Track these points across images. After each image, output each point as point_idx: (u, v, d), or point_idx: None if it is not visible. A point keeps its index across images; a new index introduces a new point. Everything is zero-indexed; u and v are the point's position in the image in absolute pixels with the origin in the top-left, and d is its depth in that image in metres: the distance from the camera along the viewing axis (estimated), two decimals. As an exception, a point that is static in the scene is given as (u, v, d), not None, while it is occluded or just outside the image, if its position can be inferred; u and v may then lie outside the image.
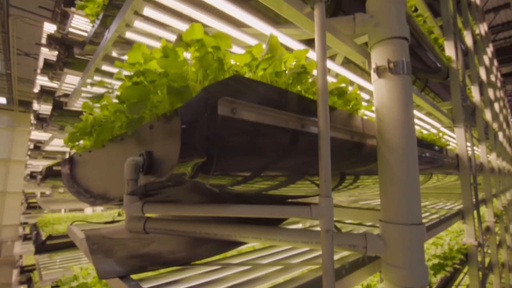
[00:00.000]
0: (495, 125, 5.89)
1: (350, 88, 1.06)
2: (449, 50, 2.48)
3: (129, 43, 0.96)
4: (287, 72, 0.74)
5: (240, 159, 0.63)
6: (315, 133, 0.79)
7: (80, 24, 3.05)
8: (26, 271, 6.11)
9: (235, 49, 1.07)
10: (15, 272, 6.65)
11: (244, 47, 1.09)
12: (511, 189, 7.75)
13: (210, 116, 0.53)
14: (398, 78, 0.94)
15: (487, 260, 3.64)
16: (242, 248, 1.25)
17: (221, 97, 0.56)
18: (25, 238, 6.36)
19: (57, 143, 4.73)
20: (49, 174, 3.01)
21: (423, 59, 2.22)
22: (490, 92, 5.81)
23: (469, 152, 2.56)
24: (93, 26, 1.65)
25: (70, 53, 3.25)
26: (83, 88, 1.66)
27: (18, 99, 13.12)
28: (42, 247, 2.81)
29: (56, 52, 3.39)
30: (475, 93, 3.83)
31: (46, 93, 5.12)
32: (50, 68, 4.82)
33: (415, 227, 0.88)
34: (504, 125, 8.27)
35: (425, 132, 2.67)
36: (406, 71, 0.95)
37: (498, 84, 8.56)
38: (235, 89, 0.59)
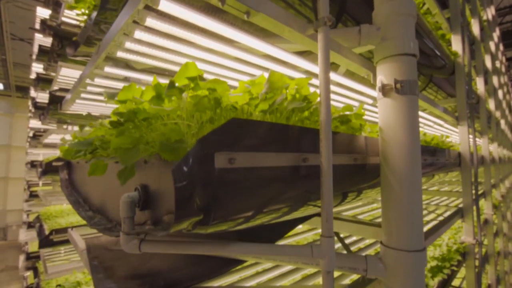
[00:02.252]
0: (497, 114, 5.82)
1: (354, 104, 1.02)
2: (456, 44, 2.40)
3: (120, 61, 0.92)
4: (287, 103, 0.71)
5: (240, 204, 0.60)
6: (317, 165, 0.76)
7: (73, 14, 2.94)
8: (32, 258, 6.25)
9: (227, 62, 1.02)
10: (22, 257, 6.81)
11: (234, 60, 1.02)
12: (510, 176, 7.79)
13: (206, 171, 0.50)
14: (404, 99, 0.90)
15: (483, 251, 3.71)
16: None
17: (218, 146, 0.53)
18: (29, 225, 6.45)
19: (56, 136, 4.69)
20: (49, 169, 3.01)
21: (429, 55, 2.14)
22: (495, 80, 5.71)
23: (471, 147, 2.53)
24: (85, 27, 1.58)
25: (64, 45, 3.15)
26: (81, 88, 1.61)
27: (15, 84, 12.94)
28: (46, 242, 2.85)
29: (50, 39, 3.28)
30: (479, 85, 3.75)
31: (42, 81, 5.02)
32: (45, 54, 4.69)
33: (416, 254, 0.87)
34: (507, 111, 8.20)
35: (426, 128, 2.63)
36: (414, 91, 0.90)
37: (503, 69, 8.40)
38: (233, 134, 0.56)
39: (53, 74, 3.75)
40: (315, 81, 1.41)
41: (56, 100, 3.23)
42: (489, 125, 5.08)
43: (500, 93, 6.59)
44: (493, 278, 3.49)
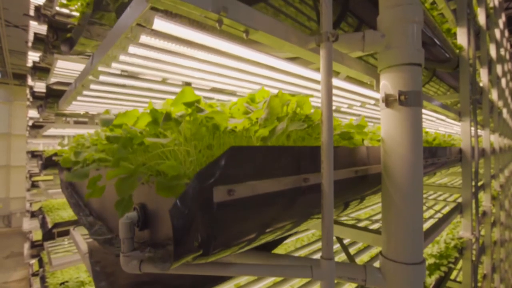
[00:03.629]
0: (500, 103, 5.77)
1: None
2: (461, 38, 2.33)
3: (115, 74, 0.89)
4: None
5: (241, 232, 0.60)
6: (318, 183, 0.75)
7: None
8: (37, 246, 6.37)
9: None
10: (26, 245, 6.94)
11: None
12: (510, 165, 7.80)
13: (205, 207, 0.49)
14: (408, 111, 0.88)
15: (480, 242, 3.77)
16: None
17: (216, 180, 0.51)
18: (33, 215, 6.54)
19: (55, 130, 4.66)
20: (49, 164, 3.01)
21: (433, 50, 2.09)
22: (498, 69, 5.62)
23: (473, 142, 2.52)
24: (79, 24, 1.53)
25: (59, 36, 3.08)
26: (76, 94, 1.58)
27: (12, 72, 12.77)
28: (49, 235, 2.89)
29: (45, 26, 3.20)
30: (483, 76, 3.69)
31: (39, 70, 4.93)
32: (41, 43, 4.59)
33: (415, 267, 0.88)
34: (509, 99, 8.11)
35: (427, 122, 2.60)
36: (418, 102, 0.88)
37: (507, 56, 8.24)
38: (232, 164, 0.54)
39: (49, 66, 3.68)
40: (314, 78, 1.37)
41: (53, 94, 3.19)
42: (491, 115, 5.04)
43: (503, 81, 6.51)
44: (488, 268, 3.56)
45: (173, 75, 0.95)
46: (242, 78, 1.02)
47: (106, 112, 0.75)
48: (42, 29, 4.39)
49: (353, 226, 1.22)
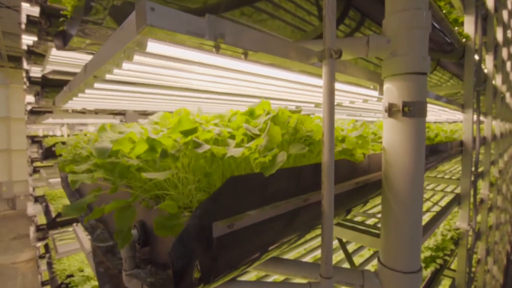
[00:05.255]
0: (504, 88, 5.68)
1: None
2: (469, 26, 2.26)
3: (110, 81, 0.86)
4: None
5: (241, 258, 0.60)
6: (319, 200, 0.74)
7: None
8: (42, 229, 6.51)
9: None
10: (32, 229, 7.10)
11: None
12: (509, 149, 7.81)
13: (204, 243, 0.49)
14: (412, 122, 0.86)
15: (476, 228, 3.84)
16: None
17: (216, 215, 0.51)
18: (36, 200, 6.63)
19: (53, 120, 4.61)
20: (49, 155, 3.01)
21: (438, 41, 2.02)
22: (504, 52, 5.48)
23: (475, 132, 2.50)
24: (72, 18, 1.47)
25: (52, 23, 2.98)
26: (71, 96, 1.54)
27: (6, 54, 12.49)
28: (53, 224, 2.94)
29: (38, 8, 3.09)
30: (488, 63, 3.61)
31: (34, 54, 4.81)
32: (34, 26, 4.45)
33: (412, 275, 0.89)
34: (513, 82, 7.98)
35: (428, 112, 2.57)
36: (422, 113, 0.86)
37: (514, 38, 8.02)
38: (231, 196, 0.54)
39: (44, 52, 3.59)
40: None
41: (49, 84, 3.13)
42: (494, 100, 4.98)
43: (508, 64, 6.38)
44: (483, 254, 3.66)
45: (171, 83, 0.92)
46: (243, 85, 0.99)
47: (102, 128, 0.73)
48: (35, 11, 4.23)
49: (352, 228, 1.24)
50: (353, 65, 0.92)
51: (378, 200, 1.33)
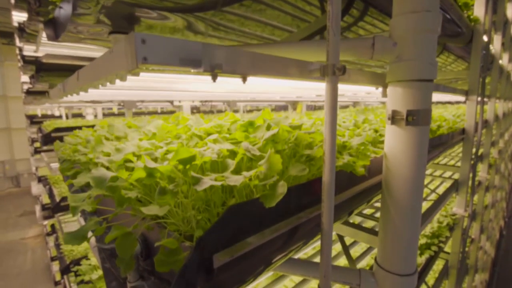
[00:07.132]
0: (510, 67, 5.53)
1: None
2: (479, 8, 2.15)
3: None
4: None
5: (241, 278, 0.61)
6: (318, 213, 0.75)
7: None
8: (48, 208, 6.66)
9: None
10: (38, 208, 7.26)
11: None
12: (510, 128, 7.77)
13: (205, 274, 0.50)
14: (415, 130, 0.84)
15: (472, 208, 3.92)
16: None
17: (216, 247, 0.51)
18: (40, 180, 6.71)
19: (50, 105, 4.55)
20: (48, 140, 2.99)
21: (446, 26, 1.94)
22: (513, 29, 5.27)
23: (477, 118, 2.47)
24: (60, 7, 1.40)
25: (42, 3, 2.85)
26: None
27: (-2, 29, 12.05)
28: (58, 208, 3.01)
29: None
30: (496, 43, 3.49)
31: (27, 32, 4.64)
32: (24, 1, 4.25)
33: (407, 278, 0.92)
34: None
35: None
36: (426, 121, 0.84)
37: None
38: (231, 225, 0.54)
39: (36, 32, 3.45)
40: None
41: (44, 68, 3.04)
42: (500, 80, 4.87)
43: (516, 41, 6.16)
44: (477, 233, 3.76)
45: (167, 88, 0.90)
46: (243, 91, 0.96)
47: (98, 140, 0.72)
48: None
49: (350, 224, 1.26)
50: (357, 70, 0.88)
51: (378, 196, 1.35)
